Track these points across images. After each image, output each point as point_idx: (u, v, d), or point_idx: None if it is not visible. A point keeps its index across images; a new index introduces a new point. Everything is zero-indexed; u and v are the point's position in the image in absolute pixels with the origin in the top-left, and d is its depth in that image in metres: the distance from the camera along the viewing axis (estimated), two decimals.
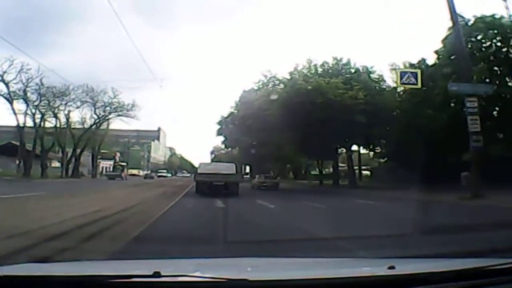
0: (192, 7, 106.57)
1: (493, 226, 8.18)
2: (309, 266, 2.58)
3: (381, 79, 30.60)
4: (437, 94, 24.05)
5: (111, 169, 59.66)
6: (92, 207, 10.66)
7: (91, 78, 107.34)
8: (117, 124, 53.36)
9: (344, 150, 36.32)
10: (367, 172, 62.35)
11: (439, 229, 7.39)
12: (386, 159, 41.27)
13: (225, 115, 51.30)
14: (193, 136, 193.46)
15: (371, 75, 30.55)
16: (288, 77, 30.63)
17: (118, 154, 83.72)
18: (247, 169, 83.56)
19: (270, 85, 32.85)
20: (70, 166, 48.05)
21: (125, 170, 59.08)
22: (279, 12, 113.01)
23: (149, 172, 73.64)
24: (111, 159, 77.56)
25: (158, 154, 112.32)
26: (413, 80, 17.81)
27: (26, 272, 1.98)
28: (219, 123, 52.10)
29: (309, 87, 26.59)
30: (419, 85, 18.02)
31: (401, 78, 17.80)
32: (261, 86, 33.91)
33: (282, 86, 31.20)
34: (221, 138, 61.02)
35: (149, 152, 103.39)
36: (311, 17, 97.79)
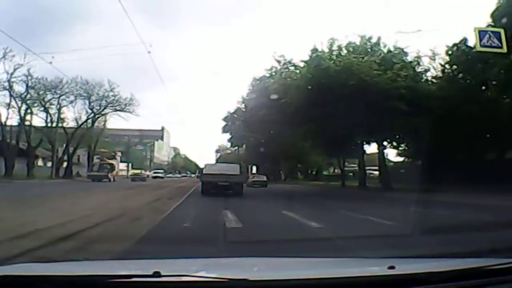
0: (196, 5, 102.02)
1: None
2: (309, 266, 2.49)
3: (417, 62, 25.14)
4: (500, 73, 18.72)
5: (97, 168, 44.97)
6: (29, 225, 6.92)
7: (95, 78, 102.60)
8: (118, 122, 48.31)
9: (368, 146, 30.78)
10: (376, 173, 57.30)
11: None
12: (405, 157, 35.76)
13: (232, 111, 46.11)
14: (198, 136, 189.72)
15: (406, 57, 25.07)
16: (307, 59, 25.01)
17: (119, 153, 78.33)
18: (254, 169, 79.17)
19: (285, 72, 27.44)
20: (64, 166, 42.54)
21: (115, 170, 46.89)
22: (284, 6, 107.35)
23: (140, 172, 56.64)
24: (111, 159, 71.82)
25: (162, 154, 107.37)
26: (496, 42, 12.58)
27: (26, 272, 1.91)
28: (225, 119, 47.02)
29: (339, 66, 21.24)
30: (505, 49, 12.75)
31: (480, 40, 12.54)
32: (274, 73, 28.56)
33: (299, 71, 25.59)
34: (227, 136, 56.47)
35: (152, 152, 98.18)
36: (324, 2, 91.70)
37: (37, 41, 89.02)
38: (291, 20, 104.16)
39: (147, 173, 63.83)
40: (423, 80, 25.19)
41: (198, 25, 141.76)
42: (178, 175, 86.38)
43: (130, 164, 79.62)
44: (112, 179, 41.20)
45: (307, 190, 31.41)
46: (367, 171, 53.44)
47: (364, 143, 29.39)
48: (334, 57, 23.92)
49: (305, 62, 24.55)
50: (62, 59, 45.73)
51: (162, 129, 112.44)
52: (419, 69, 25.51)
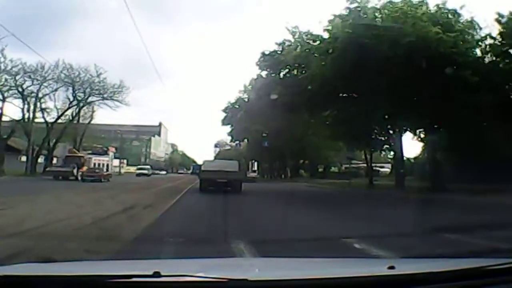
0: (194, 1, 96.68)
1: None
2: (309, 266, 2.45)
3: (474, 26, 18.98)
4: None
5: (61, 162, 34.70)
6: None
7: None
8: (112, 116, 42.26)
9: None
10: (386, 170, 52.02)
11: None
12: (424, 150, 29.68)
13: (232, 101, 40.42)
14: (197, 133, 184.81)
15: (460, 19, 18.97)
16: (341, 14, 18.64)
17: (113, 149, 72.13)
18: (255, 166, 73.75)
19: (301, 46, 21.31)
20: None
21: (85, 165, 34.86)
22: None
23: (95, 168, 36.99)
24: (103, 154, 65.32)
25: (159, 150, 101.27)
26: None
27: (26, 272, 1.86)
28: (225, 110, 41.21)
29: (387, 21, 15.25)
30: None
31: None
32: (286, 47, 22.43)
33: (330, 28, 19.11)
34: (226, 130, 51.07)
35: (148, 148, 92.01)
36: None
37: (36, 38, 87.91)
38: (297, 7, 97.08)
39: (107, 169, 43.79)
40: (479, 50, 19.13)
41: (196, 21, 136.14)
42: (163, 172, 72.43)
43: (125, 161, 73.43)
44: (80, 177, 30.49)
45: (332, 191, 25.57)
46: (375, 169, 47.65)
47: (405, 129, 23.06)
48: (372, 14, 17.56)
49: (339, 16, 18.17)
50: (60, 57, 39.91)
51: (160, 124, 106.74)
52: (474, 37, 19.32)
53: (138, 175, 49.57)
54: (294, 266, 2.46)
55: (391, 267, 1.79)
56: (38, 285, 1.65)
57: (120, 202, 11.36)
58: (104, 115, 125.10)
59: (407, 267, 1.95)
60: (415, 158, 37.41)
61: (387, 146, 26.23)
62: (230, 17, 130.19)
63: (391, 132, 23.71)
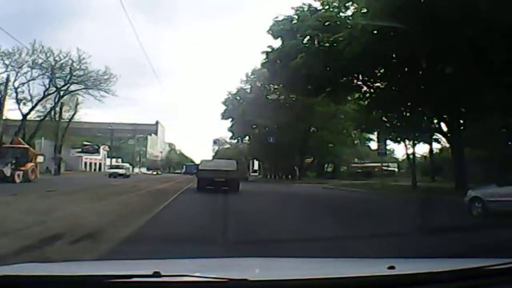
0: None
1: None
2: (309, 266, 2.40)
3: None
4: None
5: None
6: None
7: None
8: (108, 114, 36.84)
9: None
10: (395, 169, 47.22)
11: None
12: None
13: (233, 92, 35.43)
14: (195, 132, 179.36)
15: None
16: None
17: (106, 147, 67.22)
18: (256, 165, 68.12)
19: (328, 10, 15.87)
20: None
21: (31, 161, 24.24)
22: None
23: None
24: (94, 153, 59.86)
25: (155, 149, 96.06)
26: None
27: (26, 272, 1.84)
28: (225, 102, 35.83)
29: None
30: None
31: None
32: (307, 9, 16.94)
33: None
34: (226, 126, 46.05)
35: (145, 146, 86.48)
36: None
37: (35, 37, 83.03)
38: None
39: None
40: None
41: (194, 20, 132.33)
42: (149, 172, 64.59)
43: (120, 160, 67.94)
44: (19, 178, 21.20)
45: (390, 198, 17.95)
46: (390, 169, 42.28)
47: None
48: None
49: None
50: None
51: (157, 123, 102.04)
52: None
53: (112, 175, 37.39)
54: (294, 266, 2.44)
55: (391, 267, 1.76)
56: (38, 285, 1.62)
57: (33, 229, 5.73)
58: (101, 113, 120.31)
59: (407, 267, 1.89)
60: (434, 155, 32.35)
61: (436, 137, 20.46)
62: (229, 16, 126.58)
63: (445, 118, 17.95)
